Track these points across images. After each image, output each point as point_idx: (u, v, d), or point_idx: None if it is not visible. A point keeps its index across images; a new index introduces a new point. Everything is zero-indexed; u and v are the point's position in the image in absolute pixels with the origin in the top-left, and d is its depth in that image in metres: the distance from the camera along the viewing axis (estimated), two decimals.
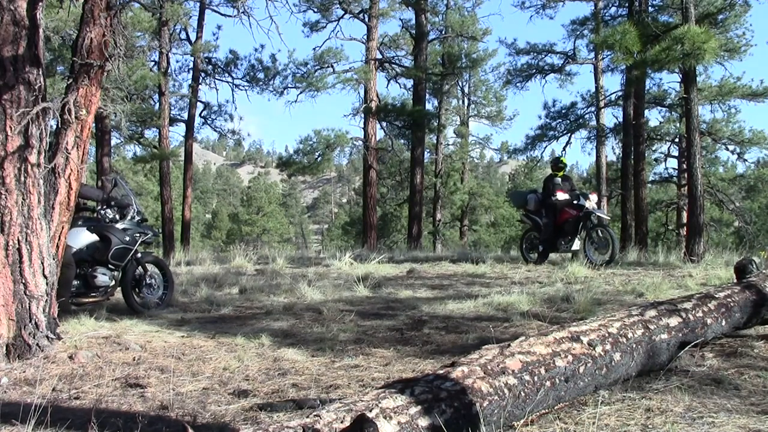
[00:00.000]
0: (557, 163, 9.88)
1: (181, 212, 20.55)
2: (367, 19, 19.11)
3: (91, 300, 5.68)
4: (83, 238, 5.61)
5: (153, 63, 19.56)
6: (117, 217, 5.86)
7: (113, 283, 5.78)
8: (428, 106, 21.51)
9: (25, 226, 3.54)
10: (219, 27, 34.80)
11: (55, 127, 4.10)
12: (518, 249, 10.14)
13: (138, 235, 5.87)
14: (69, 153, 3.93)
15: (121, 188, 6.13)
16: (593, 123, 20.67)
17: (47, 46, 12.43)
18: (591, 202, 8.87)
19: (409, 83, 21.27)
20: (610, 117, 21.06)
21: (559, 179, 9.47)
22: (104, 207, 5.83)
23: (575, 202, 8.96)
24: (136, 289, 5.94)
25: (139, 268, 5.93)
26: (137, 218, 6.00)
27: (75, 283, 5.50)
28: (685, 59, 9.53)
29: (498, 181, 61.26)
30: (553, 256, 9.65)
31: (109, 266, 5.65)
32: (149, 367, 3.46)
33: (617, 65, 15.89)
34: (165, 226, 20.02)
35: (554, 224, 9.11)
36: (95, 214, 5.84)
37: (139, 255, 5.93)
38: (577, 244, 8.86)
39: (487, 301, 5.38)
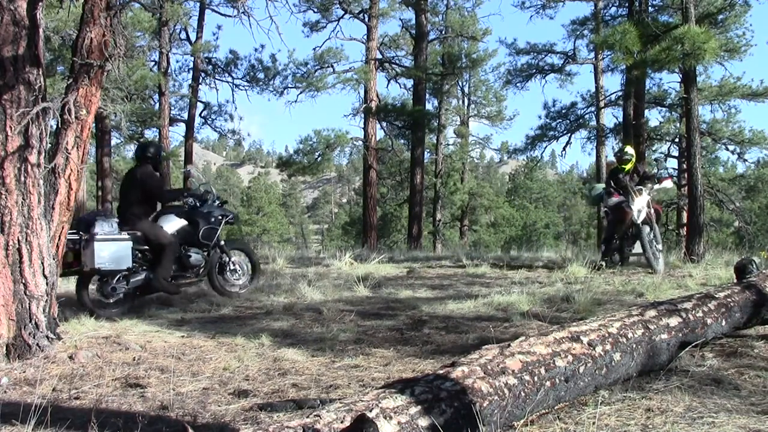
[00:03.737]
0: (621, 156, 8.42)
1: None
2: (367, 19, 19.11)
3: (186, 282, 6.26)
4: (174, 223, 6.19)
5: (153, 63, 19.58)
6: (198, 203, 6.42)
7: (205, 262, 6.31)
8: (428, 106, 21.53)
9: (25, 226, 3.54)
10: (219, 27, 34.79)
11: (55, 127, 4.11)
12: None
13: (221, 216, 6.46)
14: (69, 153, 3.93)
15: (195, 179, 6.86)
16: (593, 123, 20.67)
17: (47, 46, 12.43)
18: (636, 205, 7.64)
19: (409, 83, 21.30)
20: (610, 117, 21.08)
21: (623, 174, 8.12)
22: (185, 197, 6.46)
23: (623, 204, 7.78)
24: (222, 275, 6.47)
25: (223, 255, 6.48)
26: (217, 202, 6.61)
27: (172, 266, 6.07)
28: (685, 59, 9.53)
29: (498, 181, 61.25)
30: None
31: (201, 247, 6.27)
32: (149, 367, 3.46)
33: (617, 65, 15.87)
34: None
35: (615, 224, 8.06)
36: (176, 204, 6.48)
37: (222, 242, 6.47)
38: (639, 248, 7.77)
39: (487, 301, 5.38)
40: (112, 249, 5.59)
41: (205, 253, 6.31)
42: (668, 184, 8.23)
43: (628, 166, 8.19)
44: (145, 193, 6.07)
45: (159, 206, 6.45)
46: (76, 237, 5.52)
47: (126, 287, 5.77)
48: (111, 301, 5.70)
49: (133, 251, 5.70)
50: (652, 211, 7.80)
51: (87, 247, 5.50)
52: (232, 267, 6.55)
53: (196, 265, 6.24)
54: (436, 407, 1.99)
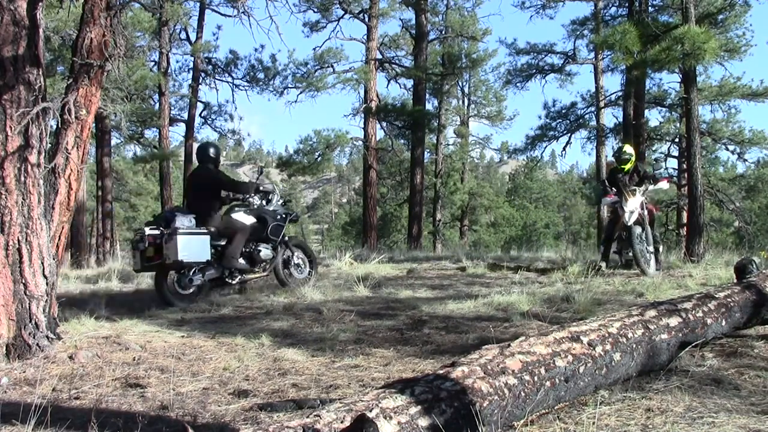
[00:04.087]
0: (619, 155, 8.26)
1: None
2: (367, 19, 19.11)
3: (254, 276, 6.69)
4: (245, 219, 6.62)
5: (153, 63, 19.58)
6: (264, 202, 6.91)
7: (272, 257, 6.75)
8: (428, 106, 21.53)
9: (25, 226, 3.54)
10: (219, 27, 34.87)
11: (55, 127, 4.11)
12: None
13: (285, 214, 6.94)
14: (69, 153, 3.93)
15: (265, 176, 7.20)
16: (593, 123, 20.68)
17: (47, 46, 12.43)
18: (629, 206, 7.46)
19: (409, 83, 21.31)
20: (610, 117, 21.09)
21: (622, 174, 7.95)
22: (253, 195, 6.84)
23: (616, 204, 7.70)
24: (287, 269, 6.93)
25: (287, 250, 6.93)
26: (281, 201, 7.11)
27: (241, 261, 6.50)
28: (685, 59, 9.53)
29: (498, 181, 61.21)
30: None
31: (268, 243, 6.72)
32: (149, 367, 3.46)
33: (617, 65, 15.88)
34: None
35: (613, 226, 7.98)
36: (244, 202, 6.87)
37: (286, 238, 6.93)
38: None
39: (487, 301, 5.38)
40: (193, 242, 6.02)
41: (273, 249, 6.75)
42: (664, 185, 7.94)
43: (627, 166, 8.04)
44: (218, 189, 6.50)
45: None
46: (157, 232, 6.01)
47: (201, 279, 6.22)
48: (187, 292, 6.12)
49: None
50: (646, 212, 7.58)
51: (170, 240, 5.89)
52: (295, 261, 7.01)
53: (265, 259, 6.69)
54: (436, 407, 1.99)
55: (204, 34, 20.02)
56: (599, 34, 15.79)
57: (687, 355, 3.18)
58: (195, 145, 15.23)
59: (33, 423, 2.34)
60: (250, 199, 6.83)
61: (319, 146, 19.51)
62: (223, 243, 6.41)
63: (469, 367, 2.22)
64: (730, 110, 19.36)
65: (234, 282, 6.55)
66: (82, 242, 17.54)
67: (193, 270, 6.13)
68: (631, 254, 7.50)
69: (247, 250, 6.56)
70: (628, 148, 8.28)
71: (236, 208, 6.71)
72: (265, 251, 6.67)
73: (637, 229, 7.37)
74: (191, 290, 6.16)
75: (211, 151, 6.72)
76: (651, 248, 7.54)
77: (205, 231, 6.22)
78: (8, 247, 3.48)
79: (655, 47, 9.79)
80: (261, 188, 6.93)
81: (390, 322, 4.75)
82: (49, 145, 3.86)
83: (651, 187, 7.73)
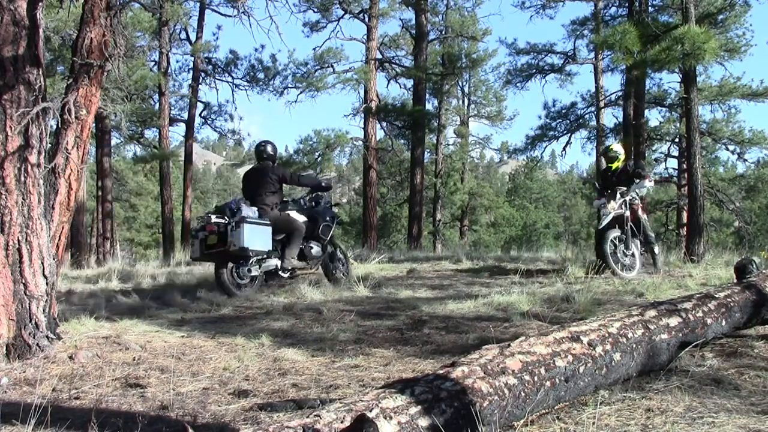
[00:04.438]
0: (606, 154, 8.20)
1: (182, 212, 20.55)
2: (367, 19, 19.11)
3: (303, 270, 7.09)
4: (300, 218, 6.98)
5: (153, 63, 19.58)
6: (314, 203, 7.28)
7: (322, 254, 7.16)
8: (428, 106, 21.54)
9: (25, 226, 3.54)
10: (219, 27, 34.84)
11: (55, 127, 4.10)
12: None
13: (332, 217, 7.34)
14: (69, 153, 3.93)
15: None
16: (593, 123, 20.67)
17: (47, 46, 12.43)
18: (608, 207, 7.35)
19: (409, 83, 21.30)
20: (610, 117, 21.09)
21: (611, 173, 7.87)
22: (309, 194, 7.32)
23: (601, 206, 7.58)
24: (332, 264, 7.32)
25: (331, 247, 7.35)
26: (329, 204, 7.50)
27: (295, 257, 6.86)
28: (685, 59, 9.53)
29: (498, 181, 61.19)
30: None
31: (318, 241, 7.12)
32: (149, 367, 3.46)
33: (617, 65, 15.88)
34: (165, 226, 20.04)
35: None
36: (295, 201, 7.31)
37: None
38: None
39: (487, 301, 5.38)
40: (257, 232, 6.35)
41: (322, 247, 7.18)
42: (647, 183, 7.70)
43: (615, 165, 7.89)
44: (280, 183, 6.90)
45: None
46: (222, 221, 6.32)
47: (258, 270, 6.54)
48: (244, 282, 6.42)
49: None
50: (628, 213, 7.35)
51: (236, 228, 6.18)
52: (338, 257, 7.45)
53: (315, 256, 7.11)
54: (436, 407, 1.99)
55: (204, 34, 20.04)
56: (599, 34, 15.79)
57: (687, 355, 3.18)
58: (195, 146, 15.21)
59: (33, 423, 2.34)
60: (301, 200, 7.31)
61: (319, 146, 19.53)
62: (279, 237, 6.76)
63: (469, 367, 2.22)
64: (730, 110, 19.37)
65: (286, 275, 6.87)
66: (82, 242, 17.55)
67: (251, 261, 6.45)
68: (628, 257, 7.34)
69: (300, 246, 6.94)
70: (616, 147, 8.14)
71: (289, 206, 7.04)
72: (315, 249, 7.07)
73: (611, 233, 7.16)
74: (248, 281, 6.45)
75: (269, 148, 7.11)
76: (633, 250, 7.31)
77: (268, 222, 6.56)
78: (8, 247, 3.48)
79: (655, 47, 9.79)
80: (323, 183, 7.40)
81: (390, 322, 4.75)
82: (49, 145, 3.86)
83: (634, 186, 7.55)
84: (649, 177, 7.85)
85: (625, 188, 7.52)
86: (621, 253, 7.24)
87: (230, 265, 6.39)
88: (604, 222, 7.27)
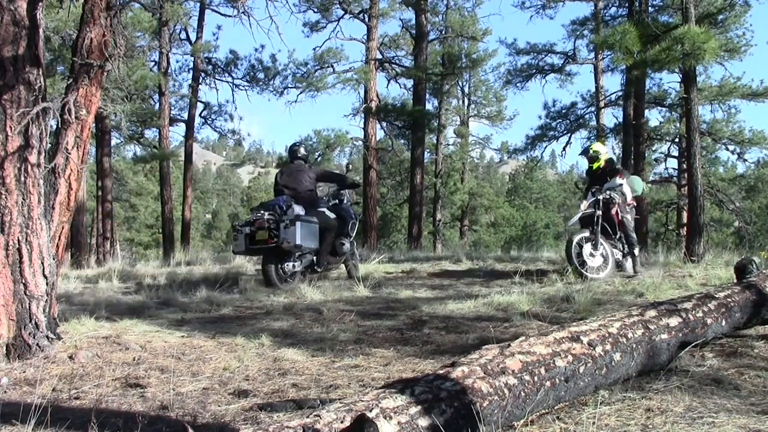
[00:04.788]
0: (587, 154, 8.01)
1: (181, 212, 20.57)
2: (367, 19, 19.11)
3: (334, 265, 7.50)
4: (332, 215, 7.29)
5: (153, 63, 19.59)
6: (337, 201, 7.54)
7: (349, 250, 7.50)
8: (428, 106, 21.52)
9: (25, 226, 3.54)
10: (219, 27, 34.78)
11: (55, 127, 4.10)
12: None
13: (356, 215, 7.71)
14: (69, 153, 3.93)
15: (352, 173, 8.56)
16: (593, 123, 20.68)
17: (47, 46, 12.43)
18: (581, 208, 7.33)
19: (409, 83, 21.30)
20: (610, 117, 21.11)
21: (594, 173, 7.75)
22: (336, 191, 7.59)
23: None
24: (352, 260, 7.71)
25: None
26: (350, 203, 7.81)
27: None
28: (685, 59, 9.53)
29: (498, 181, 61.21)
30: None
31: (347, 238, 7.44)
32: (149, 367, 3.46)
33: (617, 65, 15.89)
34: (165, 226, 20.04)
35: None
36: (328, 198, 7.57)
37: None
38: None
39: (487, 301, 5.38)
40: (309, 230, 6.73)
41: (350, 243, 7.51)
42: (618, 180, 7.48)
43: (596, 164, 7.72)
44: (316, 182, 7.26)
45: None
46: (273, 218, 6.63)
47: (300, 266, 6.91)
48: (287, 276, 6.76)
49: None
50: (599, 212, 7.09)
51: (291, 227, 6.49)
52: (354, 253, 7.82)
53: (345, 252, 7.44)
54: (436, 407, 1.99)
55: (204, 34, 20.05)
56: (599, 34, 15.80)
57: (687, 355, 3.18)
58: (195, 146, 15.22)
59: (33, 423, 2.34)
60: (325, 198, 7.55)
61: (319, 146, 19.53)
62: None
63: (469, 367, 2.22)
64: (730, 110, 19.38)
65: (321, 270, 7.27)
66: (82, 242, 17.55)
67: (293, 257, 6.81)
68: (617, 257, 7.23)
69: (333, 242, 7.29)
70: (597, 146, 7.99)
71: (321, 204, 7.30)
72: (346, 245, 7.40)
73: (578, 234, 7.06)
74: (291, 274, 6.83)
75: (302, 149, 7.52)
76: (603, 250, 7.05)
77: (317, 221, 6.94)
78: (8, 247, 3.48)
79: (655, 47, 9.79)
80: (354, 182, 7.82)
81: (390, 322, 4.75)
82: (49, 145, 3.86)
83: (606, 185, 7.40)
84: (621, 174, 7.63)
85: (598, 187, 7.41)
86: (588, 254, 7.03)
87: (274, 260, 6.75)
88: (570, 223, 7.31)
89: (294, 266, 6.81)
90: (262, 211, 6.76)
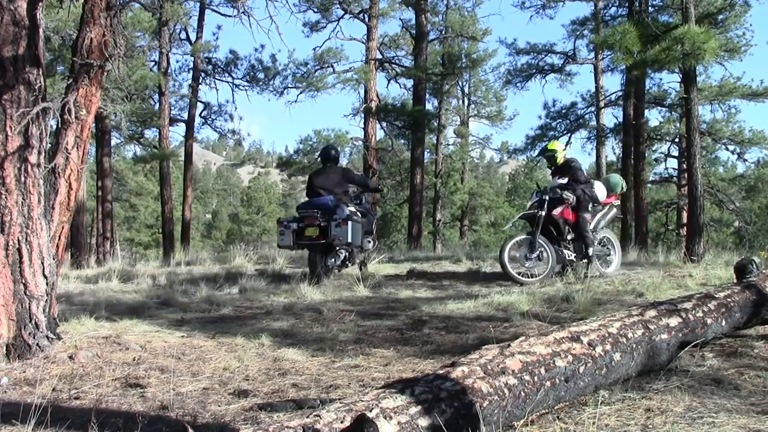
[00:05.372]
0: (544, 154, 7.80)
1: (181, 212, 20.57)
2: (367, 19, 19.10)
3: (359, 262, 7.93)
4: (362, 215, 7.66)
5: (153, 63, 19.58)
6: (358, 202, 7.87)
7: (372, 247, 8.15)
8: (428, 106, 21.51)
9: (25, 226, 3.54)
10: (219, 27, 34.78)
11: (55, 127, 4.10)
12: None
13: (374, 214, 8.23)
14: (69, 153, 3.93)
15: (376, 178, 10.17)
16: (593, 123, 20.69)
17: (47, 46, 12.43)
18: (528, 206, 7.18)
19: (409, 83, 21.29)
20: (610, 117, 21.11)
21: (553, 172, 7.59)
22: (360, 193, 7.92)
23: None
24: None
25: None
26: (369, 204, 8.20)
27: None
28: (685, 59, 9.51)
29: (498, 181, 61.17)
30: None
31: (370, 236, 7.98)
32: (149, 367, 3.46)
33: (617, 65, 15.89)
34: (165, 226, 20.03)
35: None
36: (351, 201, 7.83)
37: None
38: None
39: (487, 301, 5.38)
40: (357, 229, 7.25)
41: (372, 241, 8.06)
42: (558, 180, 7.25)
43: (553, 164, 7.51)
44: (349, 184, 7.62)
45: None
46: (323, 217, 7.06)
47: (339, 260, 7.40)
48: (327, 270, 7.19)
49: None
50: (542, 213, 6.89)
51: (343, 225, 6.95)
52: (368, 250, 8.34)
53: (369, 249, 8.06)
54: (436, 407, 1.99)
55: (204, 34, 20.04)
56: (599, 34, 15.80)
57: (687, 355, 3.18)
58: (195, 146, 15.21)
59: (33, 423, 2.34)
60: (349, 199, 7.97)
61: (319, 146, 19.53)
62: None
63: (469, 367, 2.22)
64: (730, 110, 19.36)
65: (351, 265, 7.75)
66: (82, 242, 17.54)
67: (336, 251, 7.29)
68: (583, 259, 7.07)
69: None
70: (554, 144, 7.71)
71: (349, 205, 7.58)
72: (372, 242, 7.99)
73: (509, 242, 6.86)
74: (330, 269, 7.27)
75: (333, 152, 7.91)
76: (540, 252, 6.82)
77: (362, 220, 7.49)
78: (8, 247, 3.48)
79: (655, 47, 9.78)
80: (379, 187, 8.50)
81: (390, 322, 4.75)
82: (49, 145, 3.86)
83: (550, 186, 7.23)
84: (575, 173, 7.24)
85: (545, 187, 7.27)
86: (523, 257, 6.87)
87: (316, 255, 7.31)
88: (508, 225, 7.28)
89: (335, 261, 7.32)
90: (313, 210, 7.17)
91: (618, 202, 7.85)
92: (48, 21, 11.18)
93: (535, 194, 7.27)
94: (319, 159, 8.16)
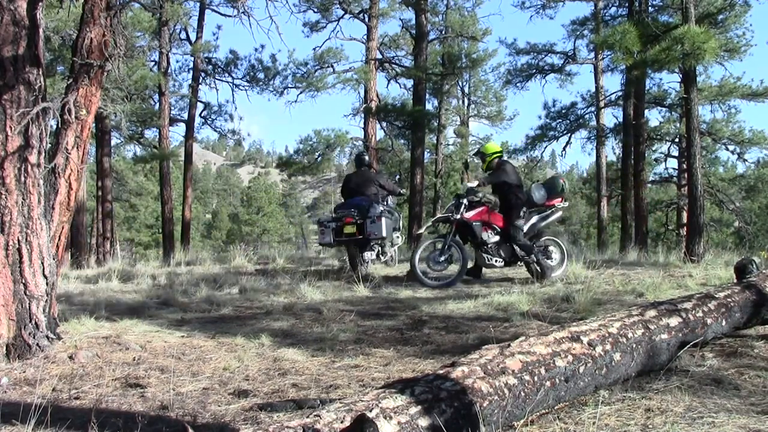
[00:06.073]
0: (478, 154, 7.73)
1: (181, 212, 20.55)
2: (367, 19, 19.09)
3: (388, 256, 8.60)
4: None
5: (153, 63, 19.55)
6: (384, 202, 8.35)
7: (398, 243, 9.00)
8: (428, 106, 21.48)
9: (25, 226, 3.54)
10: (219, 27, 34.88)
11: (55, 127, 4.10)
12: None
13: (399, 214, 9.12)
14: (69, 153, 3.93)
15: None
16: (593, 123, 20.67)
17: (47, 46, 12.43)
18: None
19: (409, 83, 21.27)
20: (610, 117, 21.09)
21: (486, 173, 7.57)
22: (385, 195, 8.39)
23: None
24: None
25: None
26: (393, 204, 8.87)
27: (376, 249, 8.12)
28: (685, 59, 9.51)
29: None
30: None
31: (397, 233, 8.80)
32: (149, 367, 3.46)
33: (617, 65, 15.88)
34: (165, 226, 20.02)
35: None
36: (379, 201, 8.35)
37: None
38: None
39: (487, 301, 5.38)
40: (389, 225, 7.90)
41: (399, 238, 8.92)
42: (468, 184, 7.39)
43: (486, 165, 7.42)
44: (379, 188, 8.26)
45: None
46: (359, 215, 7.69)
47: (373, 254, 8.00)
48: (362, 263, 7.80)
49: None
50: (456, 216, 6.95)
51: (377, 222, 7.60)
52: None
53: (397, 244, 8.90)
54: (436, 407, 1.99)
55: (204, 34, 20.01)
56: (599, 34, 15.79)
57: (687, 355, 3.18)
58: (195, 146, 15.18)
59: (33, 423, 2.34)
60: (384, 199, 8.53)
61: (319, 146, 19.51)
62: None
63: (469, 367, 2.22)
64: (730, 110, 19.35)
65: (383, 259, 8.43)
66: (82, 242, 17.53)
67: (371, 245, 7.85)
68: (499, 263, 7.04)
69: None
70: (487, 146, 7.53)
71: (379, 204, 8.08)
72: (399, 238, 8.80)
73: (420, 246, 7.20)
74: (365, 262, 7.86)
75: (365, 157, 8.77)
76: (449, 256, 6.87)
77: (394, 216, 8.34)
78: (8, 247, 3.48)
79: (655, 47, 9.78)
80: (400, 192, 8.88)
81: (390, 322, 4.75)
82: (49, 145, 3.86)
83: (464, 188, 7.36)
84: (500, 173, 7.15)
85: (468, 189, 7.26)
86: (433, 261, 6.93)
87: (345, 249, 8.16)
88: (422, 229, 7.70)
89: (371, 255, 7.91)
90: (351, 210, 7.81)
91: (564, 204, 7.62)
92: (48, 21, 11.18)
93: (455, 197, 7.38)
94: (353, 163, 9.12)
